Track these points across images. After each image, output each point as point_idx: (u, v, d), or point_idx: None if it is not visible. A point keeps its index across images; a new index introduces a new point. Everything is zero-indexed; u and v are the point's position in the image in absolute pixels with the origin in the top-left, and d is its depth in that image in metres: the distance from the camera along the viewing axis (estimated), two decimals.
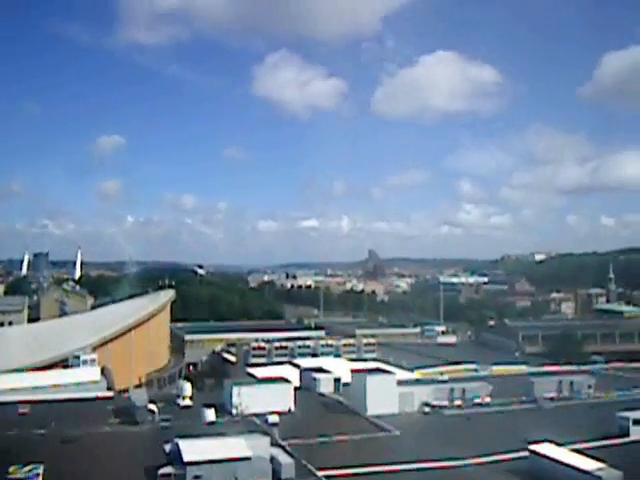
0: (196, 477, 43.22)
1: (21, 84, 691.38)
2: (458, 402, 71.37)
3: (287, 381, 73.75)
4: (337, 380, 79.81)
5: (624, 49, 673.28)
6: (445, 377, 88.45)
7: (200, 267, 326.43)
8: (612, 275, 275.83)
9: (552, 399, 74.70)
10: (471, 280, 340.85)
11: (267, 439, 49.25)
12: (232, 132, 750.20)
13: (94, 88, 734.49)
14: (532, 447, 49.55)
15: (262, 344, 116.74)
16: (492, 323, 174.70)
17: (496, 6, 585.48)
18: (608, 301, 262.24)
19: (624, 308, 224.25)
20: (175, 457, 45.36)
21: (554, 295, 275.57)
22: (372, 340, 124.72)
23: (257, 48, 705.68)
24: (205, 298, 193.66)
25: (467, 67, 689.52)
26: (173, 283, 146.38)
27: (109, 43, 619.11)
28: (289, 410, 67.47)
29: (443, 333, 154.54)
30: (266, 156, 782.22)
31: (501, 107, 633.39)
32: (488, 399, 72.47)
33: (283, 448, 51.49)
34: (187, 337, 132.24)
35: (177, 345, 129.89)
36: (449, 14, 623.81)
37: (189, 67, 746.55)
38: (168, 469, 44.19)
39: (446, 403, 70.90)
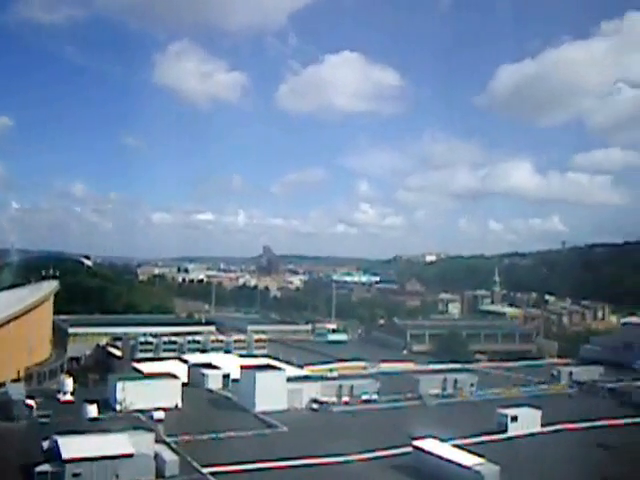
0: (75, 475, 41.29)
1: None
2: (346, 399, 71.90)
3: (174, 377, 72.19)
4: (226, 376, 78.79)
5: (518, 62, 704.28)
6: (334, 374, 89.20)
7: (87, 258, 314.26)
8: (497, 278, 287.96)
9: (436, 396, 76.68)
10: (363, 279, 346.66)
11: (151, 436, 47.81)
12: (128, 120, 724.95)
13: None
14: (415, 443, 50.48)
15: (150, 339, 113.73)
16: (382, 321, 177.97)
17: (402, 11, 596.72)
18: (492, 302, 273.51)
19: (507, 309, 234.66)
20: (53, 454, 43.26)
21: (442, 296, 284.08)
22: (263, 336, 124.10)
23: (159, 35, 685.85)
24: (91, 290, 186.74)
25: (371, 69, 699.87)
26: (57, 273, 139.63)
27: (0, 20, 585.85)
28: (176, 406, 65.99)
29: (334, 331, 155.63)
30: (163, 147, 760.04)
31: (401, 110, 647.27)
32: (375, 396, 73.42)
33: (168, 445, 50.26)
34: (71, 330, 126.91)
35: (60, 338, 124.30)
36: (355, 15, 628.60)
37: (86, 50, 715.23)
38: (45, 467, 42.06)
39: (334, 400, 71.27)
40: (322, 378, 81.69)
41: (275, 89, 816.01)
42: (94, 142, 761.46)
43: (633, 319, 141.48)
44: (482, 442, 55.96)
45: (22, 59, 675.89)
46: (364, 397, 72.64)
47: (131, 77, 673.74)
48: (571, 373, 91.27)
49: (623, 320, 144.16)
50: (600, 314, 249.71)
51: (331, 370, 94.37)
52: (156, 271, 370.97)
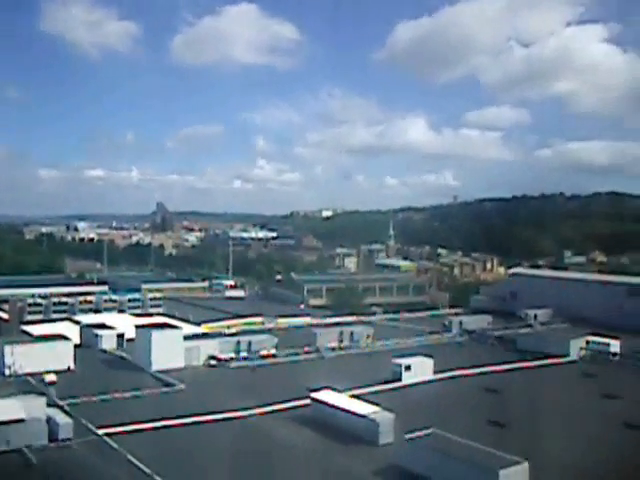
0: None
1: None
2: (244, 355, 71.86)
3: (66, 338, 69.62)
4: (120, 336, 76.93)
5: (416, 19, 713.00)
6: (232, 330, 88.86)
7: None
8: (392, 232, 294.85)
9: (334, 349, 77.91)
10: (260, 235, 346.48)
11: (43, 399, 45.86)
12: (11, 70, 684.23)
13: None
14: (313, 395, 51.10)
15: (38, 300, 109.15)
16: (280, 277, 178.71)
17: None
18: (388, 256, 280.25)
19: (401, 263, 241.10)
20: None
21: (339, 250, 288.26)
22: (158, 295, 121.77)
23: None
24: None
25: (268, 22, 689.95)
26: None
27: None
28: (68, 368, 63.84)
29: (231, 287, 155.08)
30: (50, 99, 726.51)
31: (299, 65, 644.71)
32: (273, 351, 73.75)
33: (61, 408, 48.55)
34: None
35: None
36: None
37: None
38: None
39: (232, 356, 71.09)
40: (220, 335, 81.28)
41: (169, 40, 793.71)
42: None
43: (519, 269, 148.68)
44: (377, 391, 57.35)
45: None
46: (262, 352, 72.82)
47: (14, 24, 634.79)
48: (461, 322, 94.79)
49: (510, 271, 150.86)
50: (489, 265, 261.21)
51: (228, 327, 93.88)
52: (44, 230, 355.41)
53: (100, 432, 44.39)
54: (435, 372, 64.69)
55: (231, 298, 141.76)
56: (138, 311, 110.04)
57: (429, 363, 65.13)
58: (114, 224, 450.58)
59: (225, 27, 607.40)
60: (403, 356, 66.39)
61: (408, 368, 62.79)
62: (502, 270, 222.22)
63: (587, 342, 78.50)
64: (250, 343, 73.36)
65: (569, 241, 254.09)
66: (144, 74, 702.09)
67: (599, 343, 77.99)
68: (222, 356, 70.30)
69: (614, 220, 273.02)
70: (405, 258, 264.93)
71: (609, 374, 69.02)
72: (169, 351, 66.47)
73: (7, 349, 61.96)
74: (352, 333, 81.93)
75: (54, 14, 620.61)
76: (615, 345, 77.50)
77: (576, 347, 76.96)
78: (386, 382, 60.89)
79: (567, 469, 40.26)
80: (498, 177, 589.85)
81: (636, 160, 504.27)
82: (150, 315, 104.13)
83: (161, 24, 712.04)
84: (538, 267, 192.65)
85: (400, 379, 61.87)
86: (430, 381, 63.18)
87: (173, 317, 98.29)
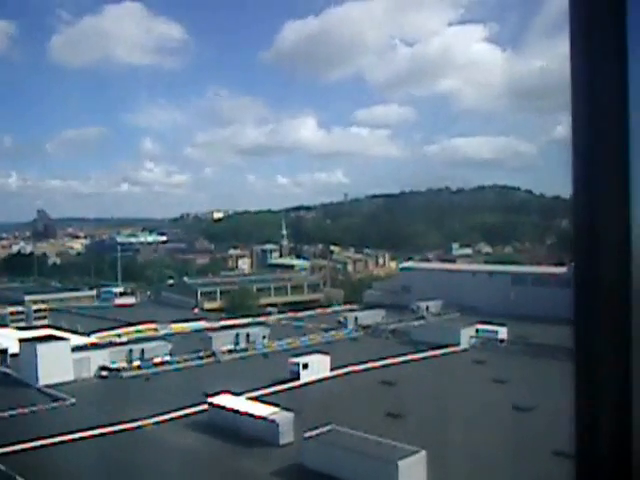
0: None
1: None
2: (137, 363, 69.69)
3: None
4: (3, 351, 72.77)
5: (302, 19, 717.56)
6: (123, 339, 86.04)
7: None
8: (284, 231, 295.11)
9: (230, 352, 76.94)
10: (150, 239, 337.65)
11: None
12: None
13: None
14: (210, 399, 50.19)
15: None
16: (172, 282, 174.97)
17: None
18: (281, 256, 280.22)
19: (294, 262, 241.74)
20: None
21: (231, 252, 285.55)
22: (43, 306, 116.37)
23: None
24: None
25: (153, 21, 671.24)
26: None
27: None
28: None
29: (121, 294, 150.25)
30: None
31: (185, 65, 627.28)
32: (168, 357, 71.95)
33: None
34: None
35: None
36: None
37: None
38: None
39: (124, 365, 68.80)
40: (110, 344, 78.50)
41: (47, 40, 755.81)
42: None
43: (409, 263, 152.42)
44: (276, 392, 57.24)
45: None
46: (156, 360, 70.86)
47: None
48: (356, 318, 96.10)
49: (401, 265, 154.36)
50: (381, 261, 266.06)
51: (119, 335, 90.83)
52: None
53: None
54: (332, 369, 65.16)
55: (121, 305, 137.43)
56: (22, 324, 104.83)
57: (326, 360, 65.57)
58: None
59: (107, 26, 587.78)
60: (300, 355, 66.50)
61: (305, 366, 62.99)
62: (394, 265, 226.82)
63: (477, 330, 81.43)
64: (143, 351, 71.31)
65: (456, 234, 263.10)
66: (20, 75, 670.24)
67: (488, 331, 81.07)
68: (113, 366, 67.91)
69: (498, 212, 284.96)
70: (298, 257, 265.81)
71: (498, 360, 71.75)
72: (57, 364, 63.49)
73: None
74: (248, 335, 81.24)
75: None
76: (503, 332, 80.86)
77: (466, 336, 79.71)
78: (284, 382, 60.80)
79: (463, 455, 41.34)
80: (387, 174, 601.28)
81: (516, 154, 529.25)
82: (35, 328, 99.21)
83: (38, 23, 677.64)
84: (428, 260, 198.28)
85: (298, 378, 61.93)
86: (328, 378, 63.58)
87: (60, 329, 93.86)
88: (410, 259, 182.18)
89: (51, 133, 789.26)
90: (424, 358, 72.35)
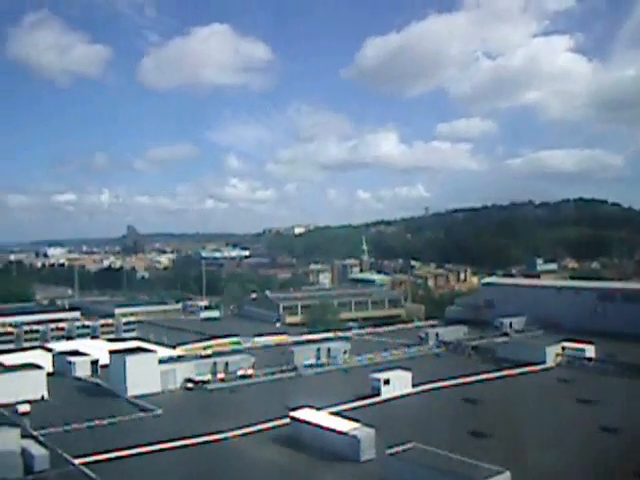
0: None
1: None
2: (221, 376, 71.13)
3: (38, 367, 68.34)
4: (94, 362, 75.75)
5: (383, 35, 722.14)
6: (208, 352, 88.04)
7: None
8: (365, 246, 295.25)
9: (311, 366, 77.50)
10: (233, 254, 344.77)
11: (17, 431, 44.80)
12: None
13: None
14: (292, 413, 50.66)
15: (9, 329, 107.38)
16: (254, 296, 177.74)
17: None
18: (361, 270, 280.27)
19: (375, 277, 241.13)
20: None
21: (312, 266, 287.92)
22: (132, 319, 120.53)
23: (13, 6, 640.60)
24: None
25: (240, 42, 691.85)
26: None
27: None
28: (42, 398, 62.70)
29: (206, 308, 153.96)
30: (19, 124, 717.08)
31: (270, 84, 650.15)
32: (251, 371, 73.10)
33: (36, 439, 47.42)
34: None
35: None
36: None
37: None
38: None
39: (209, 378, 70.33)
40: (196, 357, 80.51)
41: (139, 63, 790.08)
42: None
43: (492, 279, 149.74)
44: (357, 407, 57.14)
45: None
46: (240, 373, 72.17)
47: None
48: (438, 334, 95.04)
49: (483, 280, 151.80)
50: (463, 276, 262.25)
51: (205, 348, 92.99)
52: (12, 257, 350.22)
53: (77, 462, 43.42)
54: (414, 385, 64.54)
55: (206, 319, 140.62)
56: (112, 336, 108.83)
57: (407, 376, 64.99)
58: (85, 249, 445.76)
59: (195, 47, 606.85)
60: (381, 370, 66.30)
61: (387, 382, 62.63)
62: (476, 280, 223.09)
63: (562, 348, 79.13)
64: (227, 364, 72.69)
65: (540, 248, 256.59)
66: (114, 96, 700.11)
67: (574, 349, 78.68)
68: (199, 378, 69.52)
69: (583, 226, 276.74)
70: (379, 272, 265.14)
71: (585, 379, 69.51)
72: (144, 376, 65.53)
73: None
74: (329, 349, 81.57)
75: (21, 40, 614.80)
76: (590, 350, 78.33)
77: (552, 354, 77.51)
78: (365, 397, 60.63)
79: (548, 476, 40.32)
80: (469, 188, 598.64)
81: (603, 166, 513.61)
82: (124, 340, 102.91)
83: (131, 47, 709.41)
84: (511, 276, 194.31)
85: (379, 394, 61.64)
86: (409, 394, 63.04)
87: (147, 341, 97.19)
88: (492, 274, 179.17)
89: (141, 151, 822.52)
90: (508, 376, 70.82)
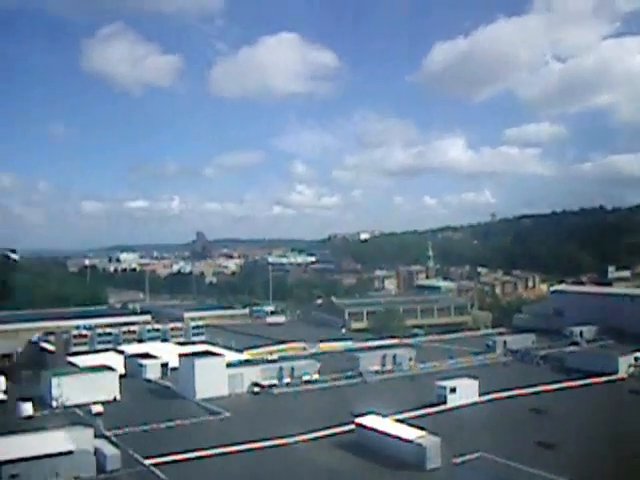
0: (12, 476, 39.70)
1: None
2: (287, 380, 71.92)
3: (111, 369, 70.74)
4: (164, 365, 77.80)
5: (451, 40, 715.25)
6: (274, 356, 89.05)
7: (13, 251, 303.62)
8: (431, 252, 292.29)
9: (377, 373, 77.49)
10: (299, 260, 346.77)
11: (90, 431, 46.63)
12: (57, 108, 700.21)
13: None
14: (358, 420, 50.86)
15: (83, 331, 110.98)
16: (320, 301, 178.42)
17: None
18: (427, 277, 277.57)
19: (441, 283, 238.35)
20: None
21: (378, 273, 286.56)
22: (200, 323, 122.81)
23: (89, 20, 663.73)
24: (19, 285, 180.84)
25: (307, 50, 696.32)
26: None
27: None
28: (114, 399, 64.86)
29: (272, 313, 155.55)
30: (94, 134, 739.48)
31: (336, 91, 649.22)
32: (316, 376, 73.66)
33: (108, 439, 49.23)
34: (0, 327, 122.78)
35: None
36: None
37: (13, 38, 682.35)
38: None
39: (275, 382, 71.21)
40: (262, 361, 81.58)
41: (209, 72, 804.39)
42: (23, 132, 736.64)
43: (562, 287, 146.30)
44: (423, 415, 56.95)
45: None
46: (305, 378, 72.80)
47: (60, 64, 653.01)
48: (505, 342, 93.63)
49: (552, 288, 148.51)
50: (531, 283, 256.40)
51: (271, 353, 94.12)
52: (87, 262, 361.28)
53: (147, 462, 44.77)
54: (481, 394, 63.80)
55: (272, 324, 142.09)
56: (181, 340, 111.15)
57: (474, 385, 64.30)
58: (155, 254, 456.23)
59: (264, 57, 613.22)
60: (447, 378, 65.80)
61: (453, 390, 62.08)
62: (544, 287, 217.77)
63: (635, 359, 76.78)
64: (293, 369, 73.49)
65: (612, 255, 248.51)
66: (184, 105, 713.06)
67: None
68: (265, 382, 70.46)
69: None
70: (445, 278, 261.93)
71: None
72: (213, 379, 66.93)
73: (54, 381, 63.24)
74: (395, 356, 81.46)
75: (97, 53, 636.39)
76: None
77: (625, 364, 75.31)
78: (431, 405, 60.35)
79: None
80: (537, 193, 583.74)
81: None
82: (193, 343, 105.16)
83: (201, 57, 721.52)
84: (581, 283, 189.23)
85: (445, 402, 61.20)
86: (476, 403, 62.37)
87: (216, 345, 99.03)
88: (562, 282, 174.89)
89: (210, 158, 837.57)
90: (578, 386, 69.22)
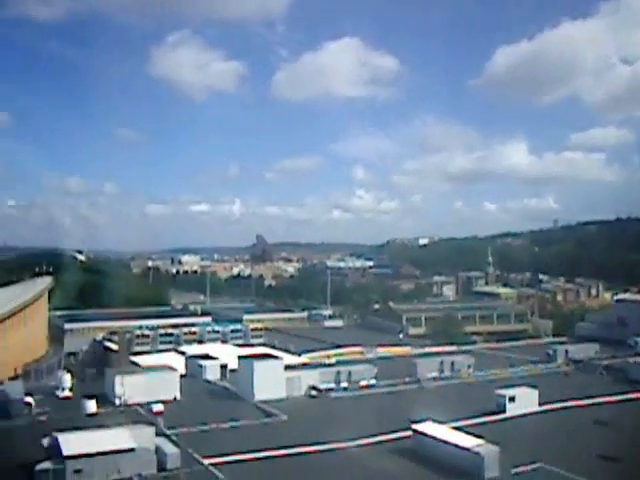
0: (76, 471, 40.99)
1: None
2: (344, 385, 72.14)
3: (172, 369, 72.23)
4: (224, 366, 78.96)
5: (514, 44, 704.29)
6: (332, 360, 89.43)
7: (80, 252, 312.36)
8: (490, 258, 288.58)
9: (434, 379, 77.04)
10: (357, 264, 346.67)
11: (152, 429, 47.81)
12: (125, 113, 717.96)
13: None
14: (415, 426, 50.73)
15: (146, 331, 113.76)
16: (377, 306, 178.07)
17: None
18: (487, 283, 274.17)
19: (501, 290, 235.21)
20: (54, 451, 42.88)
21: (436, 278, 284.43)
22: (259, 325, 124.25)
23: (155, 27, 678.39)
24: (85, 285, 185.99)
25: (369, 55, 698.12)
26: (51, 269, 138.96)
27: None
28: (174, 398, 66.12)
29: (330, 317, 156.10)
30: (159, 138, 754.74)
31: (397, 95, 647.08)
32: (374, 381, 73.70)
33: (168, 437, 50.28)
34: (67, 326, 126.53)
35: (56, 334, 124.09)
36: (354, 2, 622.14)
37: (82, 44, 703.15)
38: (46, 464, 41.56)
39: (333, 386, 71.50)
40: (320, 365, 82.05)
41: (272, 77, 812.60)
42: (91, 136, 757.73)
43: (626, 295, 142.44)
44: (481, 423, 56.32)
45: (17, 55, 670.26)
46: (362, 382, 72.90)
47: (127, 70, 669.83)
48: (567, 351, 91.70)
49: (617, 297, 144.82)
50: (594, 291, 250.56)
51: (329, 357, 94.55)
52: (150, 263, 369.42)
53: (206, 462, 45.64)
54: (541, 403, 62.78)
55: (330, 328, 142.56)
56: (240, 342, 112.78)
57: (534, 394, 63.31)
58: (216, 257, 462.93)
59: (326, 62, 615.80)
60: (506, 387, 64.98)
61: (512, 399, 61.27)
62: (608, 296, 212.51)
63: None
64: (350, 373, 73.63)
65: None
66: (247, 111, 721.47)
67: None
68: (322, 386, 70.83)
69: None
70: (505, 285, 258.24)
71: None
72: (271, 381, 67.65)
73: (117, 380, 64.85)
74: (453, 363, 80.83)
75: (164, 59, 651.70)
76: None
77: None
78: (489, 414, 59.66)
79: None
80: (602, 199, 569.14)
81: None
82: (252, 345, 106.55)
83: (265, 62, 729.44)
84: None
85: (504, 411, 60.43)
86: (536, 413, 61.38)
87: (274, 347, 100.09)
88: (627, 290, 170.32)
89: (271, 163, 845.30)
90: None
